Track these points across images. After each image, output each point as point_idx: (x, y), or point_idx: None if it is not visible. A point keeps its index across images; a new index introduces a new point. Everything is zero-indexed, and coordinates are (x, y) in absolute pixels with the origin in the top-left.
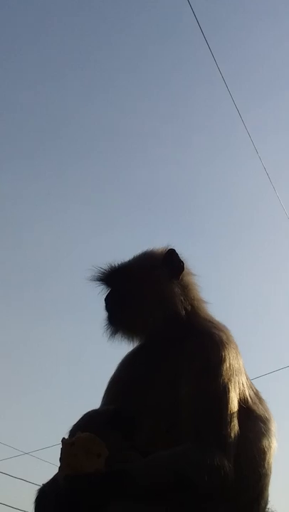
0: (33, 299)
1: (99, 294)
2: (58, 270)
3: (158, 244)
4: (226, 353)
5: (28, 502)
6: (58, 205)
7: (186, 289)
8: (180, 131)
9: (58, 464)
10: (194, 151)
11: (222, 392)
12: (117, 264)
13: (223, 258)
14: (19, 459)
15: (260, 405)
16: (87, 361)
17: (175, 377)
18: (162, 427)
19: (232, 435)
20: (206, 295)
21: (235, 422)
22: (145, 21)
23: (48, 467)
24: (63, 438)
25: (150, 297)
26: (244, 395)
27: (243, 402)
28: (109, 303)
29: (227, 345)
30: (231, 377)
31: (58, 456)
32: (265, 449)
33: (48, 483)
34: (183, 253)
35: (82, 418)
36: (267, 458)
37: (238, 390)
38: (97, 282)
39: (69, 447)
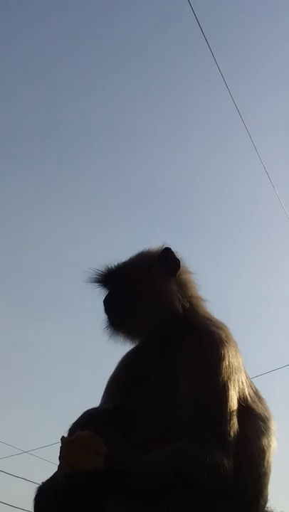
0: (33, 296)
1: (97, 295)
2: (57, 268)
3: (157, 242)
4: (225, 351)
5: (27, 500)
6: (58, 203)
7: (183, 287)
8: (179, 129)
9: (58, 463)
10: (193, 149)
11: (221, 390)
12: (113, 266)
13: (222, 256)
14: (19, 458)
15: (259, 404)
16: (87, 359)
17: (173, 375)
18: (161, 426)
19: (231, 433)
20: (204, 293)
21: (234, 420)
22: (145, 20)
23: (47, 465)
24: (62, 436)
25: (147, 296)
26: (243, 393)
27: (242, 401)
28: (107, 304)
29: (226, 343)
30: (231, 375)
31: (58, 454)
32: (265, 448)
33: (47, 481)
34: (181, 251)
35: (81, 416)
36: (266, 457)
37: (237, 388)
38: (95, 284)
39: (68, 445)
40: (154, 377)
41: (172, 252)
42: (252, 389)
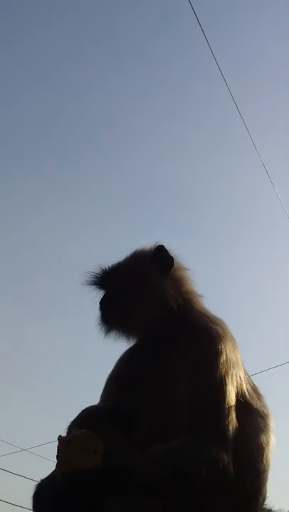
0: (33, 296)
1: (94, 297)
2: (57, 268)
3: (157, 240)
4: (222, 346)
5: (26, 498)
6: (58, 203)
7: (178, 284)
8: (178, 128)
9: (56, 461)
10: (193, 148)
11: (218, 385)
12: (107, 267)
13: (222, 254)
14: (18, 455)
15: (258, 401)
16: (86, 357)
17: (170, 374)
18: (159, 424)
19: (230, 428)
20: (203, 290)
21: (233, 416)
22: (144, 20)
23: (46, 463)
24: (60, 436)
25: (142, 295)
26: (241, 389)
27: (240, 396)
28: (103, 305)
29: (223, 338)
30: (228, 370)
31: (56, 453)
32: (264, 445)
33: (45, 479)
34: (178, 249)
35: (80, 414)
36: (265, 454)
37: (235, 384)
38: (91, 286)
39: (65, 445)
40: (151, 376)
41: (165, 250)
42: (250, 385)
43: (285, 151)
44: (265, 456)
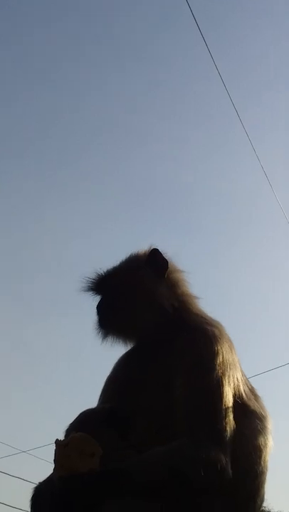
0: (33, 296)
1: (92, 302)
2: (57, 268)
3: (157, 241)
4: (219, 347)
5: (25, 500)
6: (58, 203)
7: (173, 287)
8: (178, 128)
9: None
10: (192, 148)
11: (215, 386)
12: (103, 272)
13: (222, 255)
14: (16, 457)
15: (255, 402)
16: (86, 357)
17: (167, 376)
18: (156, 427)
19: (227, 429)
20: (203, 291)
21: (230, 417)
22: (144, 20)
23: (45, 465)
24: (57, 439)
25: (137, 299)
26: (239, 390)
27: (237, 397)
28: (100, 310)
29: (219, 339)
30: (225, 371)
31: (53, 456)
32: (262, 447)
33: (44, 481)
34: (178, 250)
35: (78, 417)
36: (263, 455)
37: (232, 385)
38: (87, 292)
39: (62, 449)
40: (148, 379)
41: (160, 253)
42: (248, 386)
43: (284, 152)
44: (263, 458)
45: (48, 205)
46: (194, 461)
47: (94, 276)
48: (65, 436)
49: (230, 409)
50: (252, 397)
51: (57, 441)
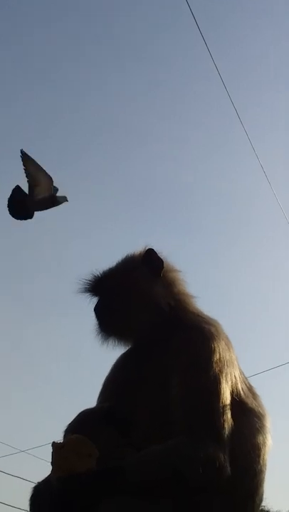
0: (33, 296)
1: (89, 303)
2: (57, 268)
3: (157, 241)
4: (215, 345)
5: (24, 500)
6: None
7: (169, 286)
8: (178, 128)
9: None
10: (192, 148)
11: (212, 384)
12: (99, 273)
13: (222, 255)
14: (15, 457)
15: (254, 400)
16: (86, 357)
17: (164, 376)
18: (154, 427)
19: (225, 427)
20: (203, 290)
21: (228, 415)
22: (144, 20)
23: (44, 465)
24: (53, 442)
25: (133, 300)
26: (236, 388)
27: (235, 395)
28: (97, 312)
29: (216, 337)
30: (222, 369)
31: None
32: (260, 446)
33: (42, 481)
34: (176, 250)
35: (76, 417)
36: (262, 454)
37: (230, 382)
38: (84, 294)
39: (59, 450)
40: (145, 379)
41: (155, 253)
42: (246, 385)
43: (284, 152)
44: (261, 457)
45: None
46: (191, 460)
47: (90, 278)
48: (64, 436)
49: (228, 407)
50: (250, 395)
51: (53, 443)
